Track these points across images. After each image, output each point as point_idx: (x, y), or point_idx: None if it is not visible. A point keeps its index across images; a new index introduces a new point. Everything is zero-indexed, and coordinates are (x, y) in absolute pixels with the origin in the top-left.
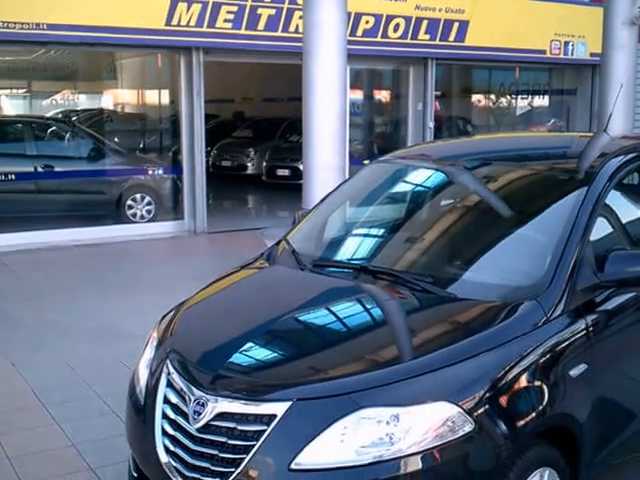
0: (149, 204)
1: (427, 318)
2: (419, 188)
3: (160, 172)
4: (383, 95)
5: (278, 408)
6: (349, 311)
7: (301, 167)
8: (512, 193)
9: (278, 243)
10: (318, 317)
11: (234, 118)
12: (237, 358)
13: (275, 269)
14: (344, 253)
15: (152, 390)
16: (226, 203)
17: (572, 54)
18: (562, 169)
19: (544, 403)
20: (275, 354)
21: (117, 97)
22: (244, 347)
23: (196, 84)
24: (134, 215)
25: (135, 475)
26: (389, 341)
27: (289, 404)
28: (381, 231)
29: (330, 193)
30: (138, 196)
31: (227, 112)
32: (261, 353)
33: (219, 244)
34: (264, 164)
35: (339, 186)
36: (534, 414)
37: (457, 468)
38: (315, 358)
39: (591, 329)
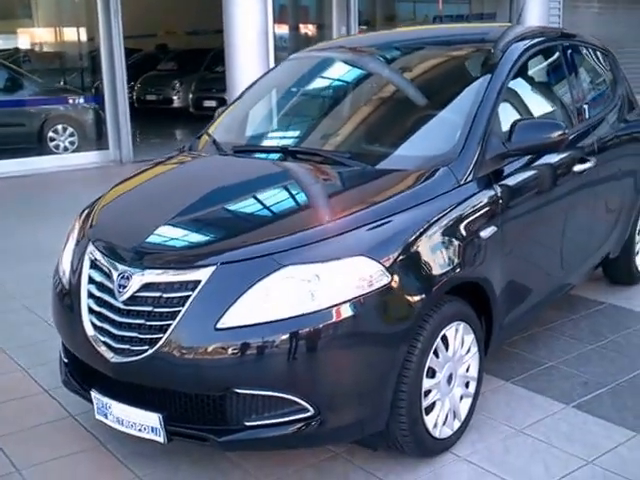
0: (71, 135)
1: (345, 188)
2: (335, 78)
3: (81, 101)
4: (309, 28)
5: (202, 273)
6: (270, 187)
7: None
8: (427, 77)
9: (199, 137)
10: (238, 195)
11: (157, 51)
12: (161, 234)
13: (197, 158)
14: (264, 141)
15: (77, 274)
16: (153, 135)
17: None
18: (474, 52)
19: (456, 260)
20: (199, 229)
21: (34, 30)
22: (168, 225)
23: (113, 2)
24: (57, 147)
25: (66, 361)
26: (309, 208)
27: (213, 269)
28: (300, 120)
29: (248, 87)
30: (60, 127)
31: (150, 47)
32: (185, 229)
33: None
34: (190, 96)
35: (257, 80)
36: (446, 270)
37: (374, 318)
38: (237, 230)
39: (500, 196)
